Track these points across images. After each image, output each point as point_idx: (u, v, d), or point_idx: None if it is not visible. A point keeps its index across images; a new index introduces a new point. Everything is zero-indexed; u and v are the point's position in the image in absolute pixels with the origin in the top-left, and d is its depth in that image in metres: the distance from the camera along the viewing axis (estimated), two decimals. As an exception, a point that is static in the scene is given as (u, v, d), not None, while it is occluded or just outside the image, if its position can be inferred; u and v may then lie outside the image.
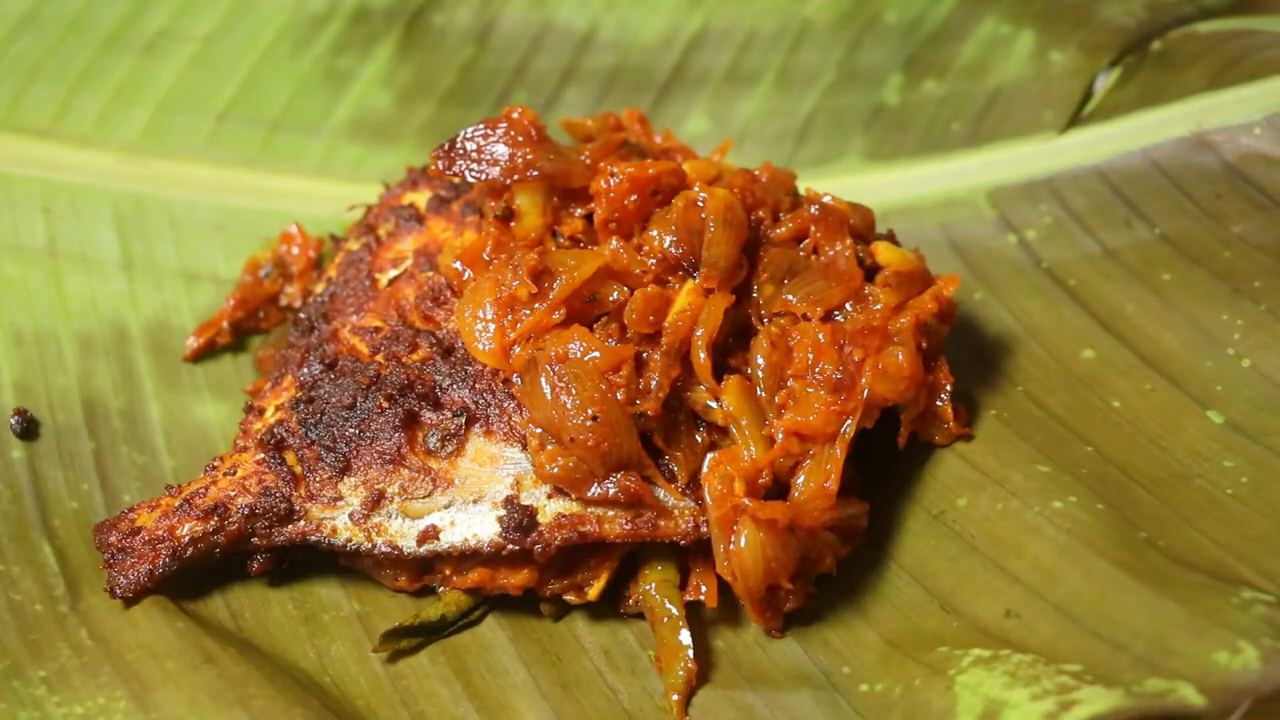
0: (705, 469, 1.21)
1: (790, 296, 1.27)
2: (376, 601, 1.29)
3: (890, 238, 1.39)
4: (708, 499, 1.19)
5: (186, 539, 1.25)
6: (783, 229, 1.32)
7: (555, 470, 1.20)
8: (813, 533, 1.20)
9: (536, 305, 1.23)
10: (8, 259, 1.57)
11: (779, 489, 1.22)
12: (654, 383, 1.21)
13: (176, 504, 1.27)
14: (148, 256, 1.61)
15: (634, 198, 1.28)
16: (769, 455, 1.20)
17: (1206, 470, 1.26)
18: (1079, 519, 1.21)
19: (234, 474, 1.27)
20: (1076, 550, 1.18)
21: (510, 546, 1.22)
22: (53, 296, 1.55)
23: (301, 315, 1.42)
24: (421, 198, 1.45)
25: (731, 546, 1.18)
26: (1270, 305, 1.38)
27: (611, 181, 1.28)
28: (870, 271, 1.32)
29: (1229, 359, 1.35)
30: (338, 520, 1.25)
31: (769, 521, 1.17)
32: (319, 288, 1.46)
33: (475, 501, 1.23)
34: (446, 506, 1.24)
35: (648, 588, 1.25)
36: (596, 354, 1.20)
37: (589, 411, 1.18)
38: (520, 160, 1.30)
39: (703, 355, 1.22)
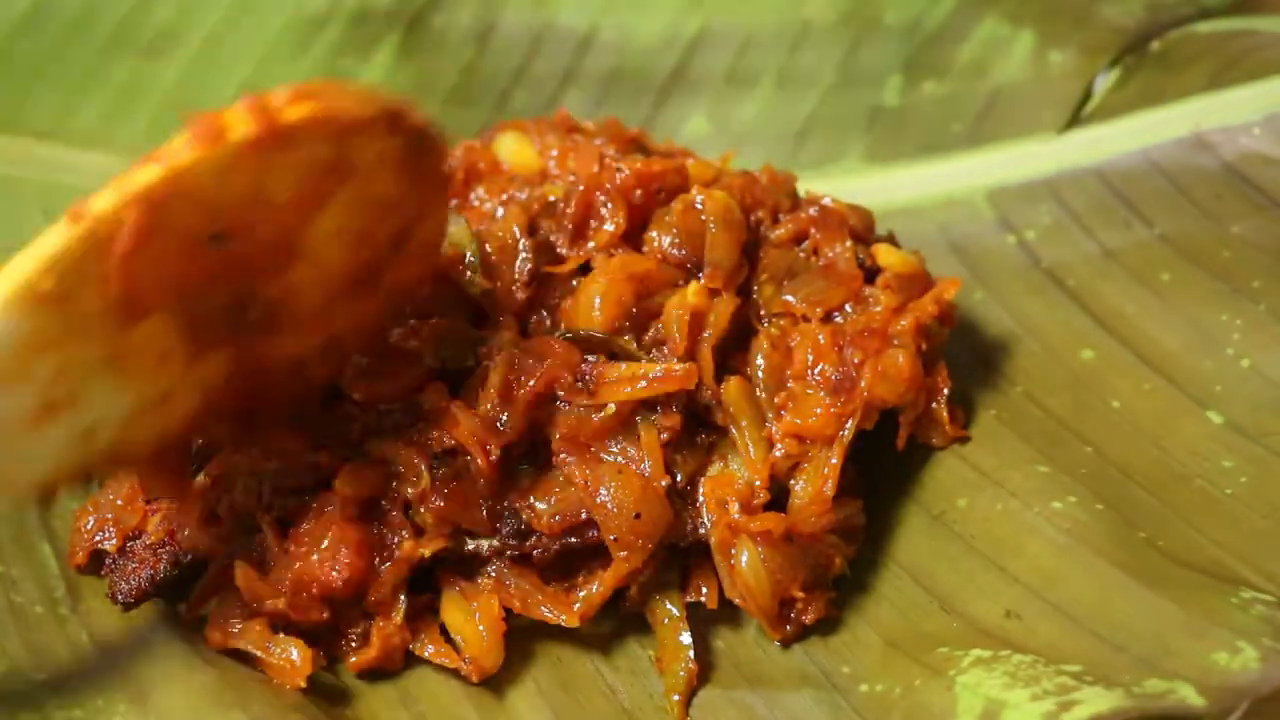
0: (701, 498, 1.20)
1: (790, 297, 1.27)
2: (376, 602, 1.29)
3: (890, 239, 1.39)
4: (706, 524, 1.19)
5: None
6: (782, 230, 1.32)
7: None
8: (814, 538, 1.20)
9: None
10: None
11: (779, 497, 1.22)
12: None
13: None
14: (149, 258, 1.61)
15: (639, 193, 1.28)
16: (767, 462, 1.20)
17: (1206, 470, 1.26)
18: (1078, 519, 1.21)
19: (234, 475, 1.27)
20: (1076, 550, 1.19)
21: (509, 551, 1.21)
22: (54, 298, 1.54)
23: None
24: None
25: (733, 565, 1.18)
26: (1270, 305, 1.38)
27: (618, 178, 1.28)
28: (870, 273, 1.31)
29: (1228, 359, 1.35)
30: (336, 521, 1.24)
31: (764, 534, 1.17)
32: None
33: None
34: (445, 508, 1.24)
35: (648, 589, 1.25)
36: None
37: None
38: None
39: (709, 356, 1.22)
